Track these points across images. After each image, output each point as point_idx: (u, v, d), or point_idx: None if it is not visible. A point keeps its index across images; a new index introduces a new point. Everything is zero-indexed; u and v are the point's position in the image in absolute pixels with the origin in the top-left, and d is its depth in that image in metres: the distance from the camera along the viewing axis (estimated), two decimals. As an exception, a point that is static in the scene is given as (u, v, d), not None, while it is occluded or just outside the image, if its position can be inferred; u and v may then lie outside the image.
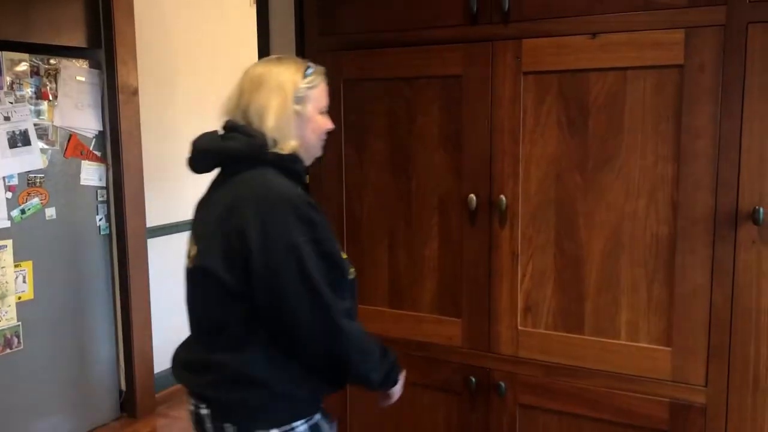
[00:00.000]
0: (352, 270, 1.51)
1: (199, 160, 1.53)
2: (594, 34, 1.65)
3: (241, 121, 1.47)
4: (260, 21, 2.60)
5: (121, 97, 3.24)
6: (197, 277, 1.46)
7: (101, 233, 3.32)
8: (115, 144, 3.27)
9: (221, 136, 1.49)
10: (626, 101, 1.64)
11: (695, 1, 1.54)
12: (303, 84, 1.48)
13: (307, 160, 1.54)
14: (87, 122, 3.20)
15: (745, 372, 1.59)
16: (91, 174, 3.24)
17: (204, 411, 1.45)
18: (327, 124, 1.55)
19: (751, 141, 1.53)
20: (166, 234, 3.72)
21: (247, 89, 1.48)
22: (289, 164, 1.46)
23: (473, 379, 1.88)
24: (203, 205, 1.55)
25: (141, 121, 3.36)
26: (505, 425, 1.86)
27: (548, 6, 1.69)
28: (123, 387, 3.47)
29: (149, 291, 3.48)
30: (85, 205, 3.23)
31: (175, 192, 3.78)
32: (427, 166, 1.90)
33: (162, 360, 3.67)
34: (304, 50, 2.08)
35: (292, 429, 1.43)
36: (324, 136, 1.56)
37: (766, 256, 1.54)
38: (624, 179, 1.67)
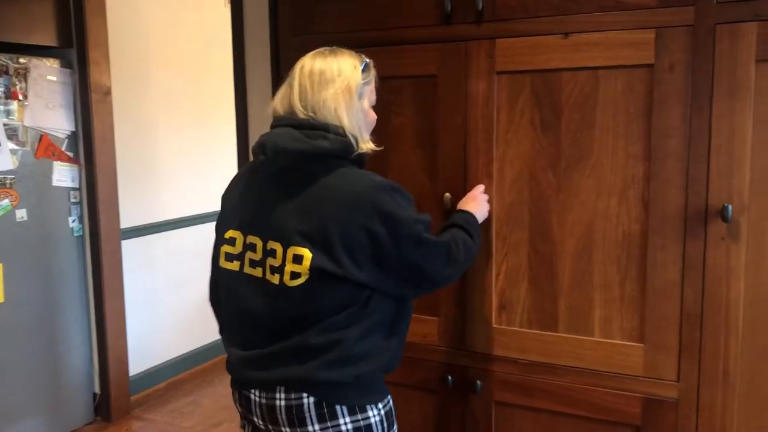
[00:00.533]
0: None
1: (285, 159, 1.43)
2: (566, 34, 1.66)
3: (306, 117, 1.45)
4: (235, 20, 2.59)
5: (94, 97, 3.20)
6: (316, 279, 1.39)
7: (74, 235, 3.28)
8: (88, 144, 3.23)
9: (304, 134, 1.42)
10: (598, 101, 1.66)
11: (665, 2, 1.57)
12: (362, 80, 1.49)
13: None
14: (59, 122, 3.16)
15: (715, 367, 1.62)
16: (64, 175, 3.20)
17: (308, 400, 1.40)
18: (375, 116, 1.58)
19: (719, 140, 1.56)
20: (141, 235, 3.69)
21: (309, 86, 1.45)
22: (359, 160, 1.48)
23: (450, 378, 1.88)
24: (262, 203, 1.47)
25: (114, 121, 3.32)
26: (481, 423, 1.87)
27: (521, 6, 1.71)
28: (97, 390, 3.43)
29: (124, 293, 3.44)
30: (57, 207, 3.18)
31: (149, 192, 3.74)
32: (403, 166, 1.90)
33: (137, 363, 3.64)
34: (278, 50, 2.07)
35: (388, 402, 1.52)
36: (371, 130, 1.58)
37: (734, 252, 1.57)
38: (596, 178, 1.69)
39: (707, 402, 1.64)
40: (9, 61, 2.94)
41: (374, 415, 1.45)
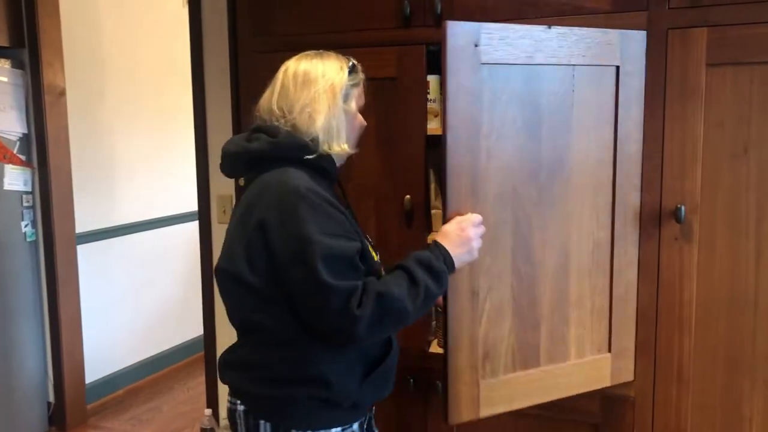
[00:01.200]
0: (377, 259, 1.49)
1: (227, 165, 1.48)
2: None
3: (277, 120, 1.43)
4: (193, 22, 2.55)
5: (48, 99, 3.13)
6: (219, 279, 1.44)
7: (27, 240, 3.19)
8: (42, 147, 3.15)
9: (247, 138, 1.45)
10: (574, 103, 1.65)
11: (619, 7, 1.60)
12: (349, 81, 1.46)
13: (343, 159, 1.50)
14: (10, 124, 3.07)
15: (669, 365, 1.65)
16: (16, 178, 3.11)
17: (240, 407, 1.44)
18: (363, 121, 1.54)
19: (672, 143, 1.59)
20: (98, 239, 3.61)
21: (292, 87, 1.43)
22: (314, 162, 1.41)
23: (411, 380, 1.89)
24: (234, 210, 1.50)
25: (69, 123, 3.25)
26: (443, 423, 1.87)
27: (480, 9, 1.72)
28: (51, 399, 3.34)
29: (79, 299, 3.36)
30: (8, 211, 3.09)
31: (106, 196, 3.67)
32: (364, 169, 1.89)
33: (93, 370, 3.55)
34: (237, 52, 2.05)
35: None
36: (359, 134, 1.55)
37: (687, 252, 1.61)
38: (573, 186, 1.61)
39: (662, 399, 1.67)
40: (-43, 61, 2.85)
41: None
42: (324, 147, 1.42)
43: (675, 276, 1.63)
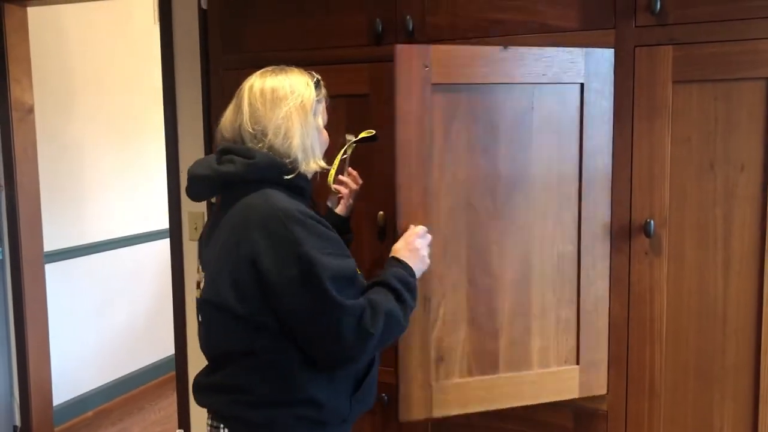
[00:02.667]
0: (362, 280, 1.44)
1: (195, 188, 1.43)
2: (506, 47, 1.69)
3: (250, 141, 1.39)
4: (164, 38, 2.54)
5: (15, 115, 3.07)
6: (202, 310, 1.41)
7: (-7, 259, 3.13)
8: (9, 164, 3.09)
9: (217, 160, 1.39)
10: (533, 120, 1.68)
11: (586, 25, 1.63)
12: (315, 96, 1.44)
13: (311, 175, 1.48)
14: (-24, 141, 3.02)
15: (641, 378, 1.67)
16: (-18, 196, 3.05)
17: (224, 431, 1.40)
18: (327, 137, 1.52)
19: (640, 158, 1.62)
20: (67, 258, 3.54)
21: (261, 106, 1.38)
22: (291, 182, 1.38)
23: (385, 397, 1.87)
24: (209, 233, 1.45)
25: (38, 140, 3.20)
26: (417, 441, 1.87)
27: (451, 27, 1.74)
28: (18, 422, 3.26)
29: (47, 319, 3.29)
30: (-26, 230, 3.03)
31: (75, 214, 3.61)
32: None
33: (62, 392, 3.48)
34: (209, 68, 2.05)
35: None
36: (324, 150, 1.52)
37: (657, 266, 1.63)
38: (533, 200, 1.65)
39: (634, 412, 1.68)
40: None
41: None
42: (302, 166, 1.40)
43: (645, 289, 1.64)
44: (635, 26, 1.59)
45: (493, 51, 1.57)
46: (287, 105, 1.39)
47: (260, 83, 1.41)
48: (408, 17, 1.75)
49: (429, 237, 1.51)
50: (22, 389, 3.23)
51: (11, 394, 3.23)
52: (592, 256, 1.66)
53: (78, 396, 3.64)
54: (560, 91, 1.62)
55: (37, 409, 3.25)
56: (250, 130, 1.38)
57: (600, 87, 1.62)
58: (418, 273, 1.45)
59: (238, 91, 1.44)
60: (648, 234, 1.60)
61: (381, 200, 1.84)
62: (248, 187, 1.35)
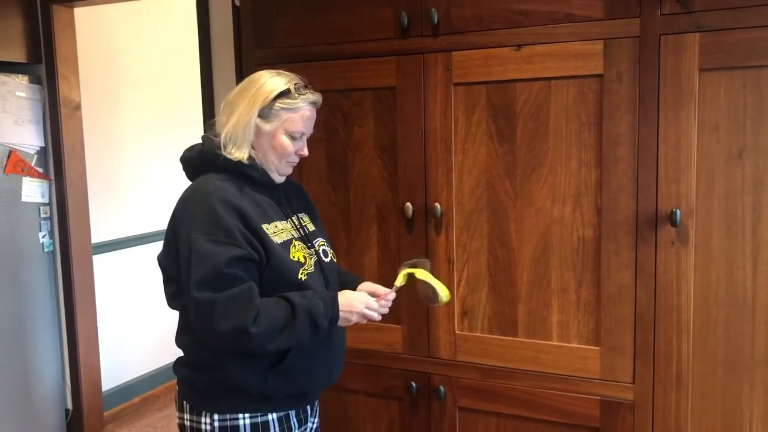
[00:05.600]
0: (303, 270, 1.49)
1: (184, 170, 1.61)
2: (519, 46, 1.71)
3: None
4: (201, 36, 2.61)
5: (63, 112, 3.20)
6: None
7: (44, 250, 3.26)
8: (58, 160, 3.22)
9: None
10: (551, 110, 1.71)
11: (611, 14, 1.62)
12: (279, 102, 1.47)
13: (276, 177, 1.54)
14: (28, 138, 3.15)
15: (668, 368, 1.66)
16: (33, 191, 3.18)
17: (177, 387, 1.58)
18: (294, 149, 1.52)
19: (666, 147, 1.60)
20: (113, 250, 3.67)
21: (236, 91, 1.52)
22: (236, 168, 1.48)
23: (414, 385, 1.91)
24: None
25: (85, 136, 3.32)
26: (446, 429, 1.90)
27: (476, 19, 1.75)
28: (69, 406, 3.40)
29: (95, 308, 3.43)
30: (26, 223, 3.16)
31: (121, 207, 3.74)
32: (365, 177, 1.93)
33: (110, 377, 3.62)
34: (242, 64, 2.10)
35: (236, 419, 1.48)
36: (292, 159, 1.54)
37: (684, 255, 1.61)
38: (550, 185, 1.73)
39: (662, 403, 1.67)
40: (-24, 78, 2.93)
41: (205, 423, 1.49)
42: (227, 149, 1.47)
43: (672, 279, 1.63)
44: (660, 14, 1.58)
45: (507, 52, 1.72)
46: (244, 94, 1.49)
47: (253, 74, 1.55)
48: (433, 10, 1.77)
49: (375, 315, 1.51)
50: (73, 375, 3.37)
51: (63, 379, 3.38)
52: (615, 243, 1.66)
53: (125, 383, 3.78)
54: (577, 82, 1.66)
55: (87, 393, 3.39)
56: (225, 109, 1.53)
57: (620, 77, 1.61)
58: (343, 319, 1.49)
59: None
60: (674, 223, 1.59)
61: (408, 191, 1.86)
62: (199, 171, 1.52)
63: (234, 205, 1.42)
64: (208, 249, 1.38)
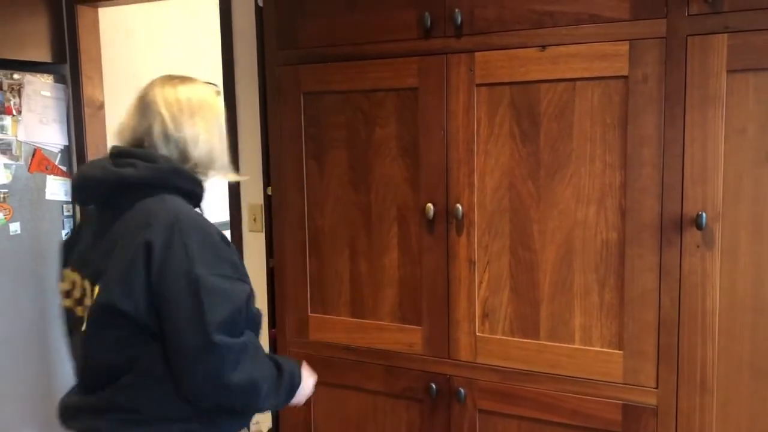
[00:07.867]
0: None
1: (87, 191, 1.42)
2: (543, 47, 1.70)
3: (158, 147, 1.39)
4: (224, 37, 2.63)
5: (87, 112, 3.24)
6: (98, 315, 1.31)
7: (67, 248, 3.30)
8: (81, 158, 3.26)
9: (115, 163, 1.37)
10: (575, 111, 1.69)
11: (637, 15, 1.60)
12: (222, 108, 1.49)
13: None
14: (52, 137, 3.19)
15: (692, 373, 1.64)
16: (57, 189, 3.22)
17: None
18: None
19: (693, 149, 1.58)
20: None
21: (177, 112, 1.40)
22: (192, 189, 1.41)
23: (434, 386, 1.90)
24: (94, 238, 1.41)
25: (107, 135, 3.35)
26: (465, 431, 1.89)
27: (499, 20, 1.74)
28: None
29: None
30: (50, 220, 3.20)
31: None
32: (386, 177, 1.93)
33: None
34: (264, 64, 2.11)
35: None
36: None
37: (709, 259, 1.59)
38: (574, 187, 1.71)
39: (685, 408, 1.65)
40: (3, 78, 2.97)
41: None
42: (207, 172, 1.44)
43: (697, 283, 1.61)
44: (687, 15, 1.56)
45: (531, 52, 1.71)
46: (203, 115, 1.42)
47: (172, 90, 1.43)
48: (456, 10, 1.76)
49: (306, 392, 1.53)
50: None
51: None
52: (639, 246, 1.65)
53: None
54: (602, 84, 1.65)
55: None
56: (166, 136, 1.39)
57: (646, 78, 1.59)
58: (299, 396, 1.49)
59: (142, 97, 1.45)
60: (700, 227, 1.57)
61: (430, 192, 1.86)
62: (146, 191, 1.34)
63: (220, 233, 1.34)
64: (221, 286, 1.26)
